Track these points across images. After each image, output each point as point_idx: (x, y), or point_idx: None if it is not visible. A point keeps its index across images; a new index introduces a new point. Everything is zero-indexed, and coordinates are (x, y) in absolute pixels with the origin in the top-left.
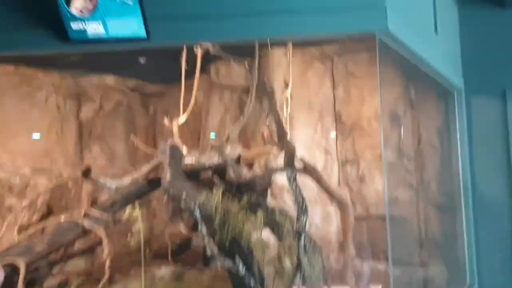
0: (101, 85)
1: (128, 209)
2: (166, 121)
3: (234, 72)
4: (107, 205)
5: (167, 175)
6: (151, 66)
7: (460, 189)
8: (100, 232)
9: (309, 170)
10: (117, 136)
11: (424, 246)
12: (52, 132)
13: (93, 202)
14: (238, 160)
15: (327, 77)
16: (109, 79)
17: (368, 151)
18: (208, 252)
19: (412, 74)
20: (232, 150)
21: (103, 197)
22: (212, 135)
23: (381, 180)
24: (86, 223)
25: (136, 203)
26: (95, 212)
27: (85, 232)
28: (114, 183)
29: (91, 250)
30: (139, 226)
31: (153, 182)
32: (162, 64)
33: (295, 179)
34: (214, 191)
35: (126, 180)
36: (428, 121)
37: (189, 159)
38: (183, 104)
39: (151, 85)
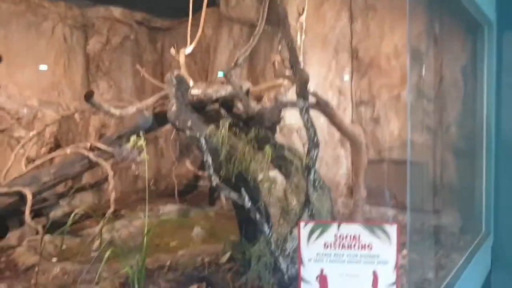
0: (108, 17)
1: (132, 139)
2: (172, 51)
3: (245, 5)
4: (113, 139)
5: (172, 106)
6: None
7: (483, 133)
8: (105, 165)
9: (322, 105)
10: (124, 71)
11: (438, 192)
12: (59, 64)
13: (100, 137)
14: (247, 93)
15: (344, 10)
16: (116, 11)
17: (384, 91)
18: (213, 183)
19: (438, 6)
20: (243, 83)
21: (111, 133)
22: (220, 74)
23: (396, 122)
24: (92, 156)
25: (141, 133)
26: (101, 145)
27: (91, 165)
28: (117, 111)
29: (98, 186)
30: (144, 156)
31: (160, 117)
32: None
33: (307, 110)
34: (221, 123)
35: (131, 109)
36: (452, 59)
37: (196, 91)
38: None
39: (158, 19)
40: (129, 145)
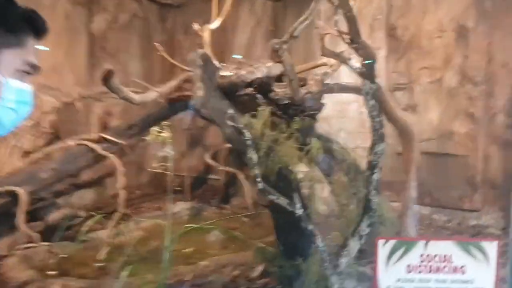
0: None
1: (153, 131)
2: (196, 26)
3: None
4: (122, 129)
5: (199, 91)
6: None
7: None
8: (115, 160)
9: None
10: (132, 53)
11: (479, 188)
12: (60, 44)
13: (104, 127)
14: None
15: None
16: None
17: (424, 74)
18: (259, 186)
19: None
20: (275, 66)
21: (115, 122)
22: (236, 56)
23: (436, 110)
24: (99, 149)
25: (163, 124)
26: (110, 137)
27: (97, 159)
28: (137, 96)
29: (101, 181)
30: (168, 152)
31: (176, 104)
32: None
33: (374, 95)
34: (259, 112)
35: (151, 94)
36: (504, 37)
37: (227, 72)
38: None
39: None
40: (148, 138)
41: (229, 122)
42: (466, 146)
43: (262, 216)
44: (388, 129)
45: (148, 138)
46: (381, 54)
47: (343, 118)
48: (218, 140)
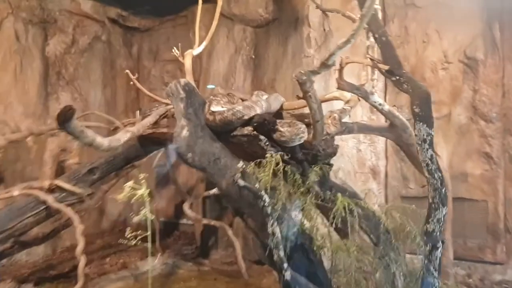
0: (75, 11)
1: (128, 187)
2: (175, 52)
3: (253, 1)
4: (82, 173)
5: (182, 130)
6: None
7: None
8: (72, 215)
9: (399, 127)
10: (93, 80)
11: (502, 238)
12: (8, 69)
13: (61, 168)
14: (280, 111)
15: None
16: (86, 5)
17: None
18: (286, 277)
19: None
20: (275, 99)
21: (74, 161)
22: (210, 86)
23: (445, 149)
24: (52, 200)
25: (142, 176)
26: (65, 184)
27: (49, 213)
28: (105, 140)
29: (53, 236)
30: (146, 215)
31: (149, 142)
32: None
33: (430, 142)
34: (268, 158)
35: (123, 136)
36: None
37: (218, 107)
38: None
39: (136, 18)
40: (120, 196)
41: (240, 181)
42: (482, 190)
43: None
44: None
45: (119, 196)
46: (378, 87)
47: (340, 156)
48: (192, 180)
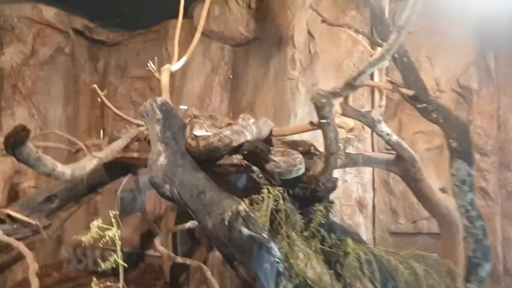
0: (36, 19)
1: (94, 227)
2: (151, 66)
3: (232, 17)
4: (38, 201)
5: (159, 158)
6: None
7: None
8: (24, 250)
9: (407, 160)
10: (53, 95)
11: (502, 280)
12: None
13: (15, 192)
14: (269, 137)
15: (364, 29)
16: (49, 12)
17: (421, 140)
18: None
19: (492, 32)
20: (265, 123)
21: (30, 184)
22: (183, 107)
23: (437, 182)
24: (0, 234)
25: (112, 213)
26: (18, 214)
27: None
28: (68, 169)
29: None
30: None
31: (116, 167)
32: None
33: (471, 184)
34: (264, 194)
35: (88, 163)
36: None
37: (202, 132)
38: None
39: (104, 30)
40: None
41: (244, 230)
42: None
43: None
44: None
45: (84, 238)
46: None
47: None
48: (160, 207)
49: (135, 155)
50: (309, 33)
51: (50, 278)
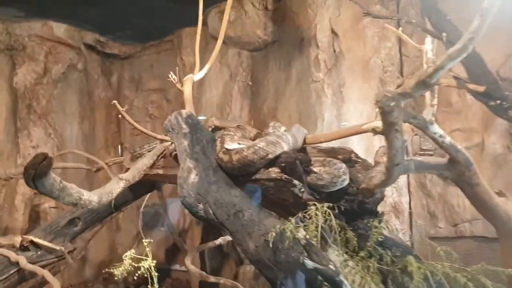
0: (47, 36)
1: (128, 258)
2: (172, 77)
3: (250, 21)
4: (61, 225)
5: (190, 175)
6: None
7: None
8: (50, 278)
9: (462, 163)
10: (69, 113)
11: None
12: None
13: (35, 213)
14: (302, 146)
15: (390, 25)
16: (59, 29)
17: (459, 138)
18: None
19: None
20: (298, 131)
21: (49, 205)
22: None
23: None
24: (23, 261)
25: (146, 241)
26: (40, 240)
27: (22, 276)
28: (95, 197)
29: None
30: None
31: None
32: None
33: None
34: (311, 211)
35: (116, 188)
36: None
37: (234, 145)
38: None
39: (116, 44)
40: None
41: (308, 262)
42: None
43: None
44: None
45: (117, 271)
46: None
47: None
48: (185, 221)
49: (160, 172)
50: (333, 31)
51: None
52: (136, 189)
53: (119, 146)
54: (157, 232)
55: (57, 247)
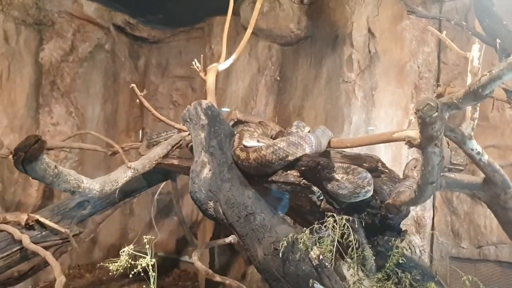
0: (77, 14)
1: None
2: (196, 65)
3: (283, 13)
4: (70, 207)
5: (203, 170)
6: None
7: None
8: (51, 260)
9: (497, 184)
10: (92, 93)
11: None
12: None
13: (50, 190)
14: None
15: (428, 35)
16: (89, 7)
17: (493, 155)
18: None
19: None
20: (323, 133)
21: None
22: (225, 109)
23: None
24: (26, 240)
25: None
26: (46, 220)
27: (24, 255)
28: (97, 185)
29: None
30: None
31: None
32: None
33: None
34: (328, 222)
35: (122, 177)
36: None
37: (253, 142)
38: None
39: (146, 27)
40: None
41: (317, 286)
42: None
43: None
44: None
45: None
46: None
47: None
48: (198, 212)
49: (175, 162)
50: (370, 31)
51: (82, 279)
52: (150, 177)
53: (140, 131)
54: (170, 221)
55: (63, 229)
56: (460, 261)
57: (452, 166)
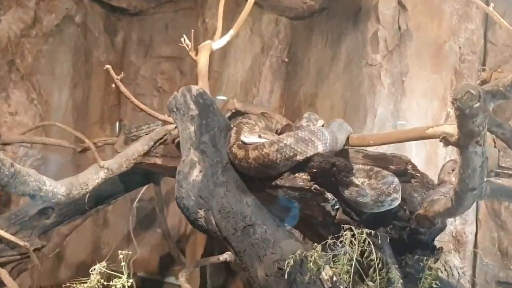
0: None
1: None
2: (185, 42)
3: None
4: (30, 214)
5: (192, 171)
6: None
7: None
8: (6, 278)
9: None
10: (59, 75)
11: None
12: None
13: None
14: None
15: (472, 9)
16: None
17: None
18: None
19: None
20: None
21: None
22: (221, 97)
23: None
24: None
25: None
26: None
27: None
28: (62, 188)
29: None
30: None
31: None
32: None
33: None
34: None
35: (94, 179)
36: None
37: (253, 138)
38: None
39: None
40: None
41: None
42: None
43: None
44: None
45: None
46: None
47: None
48: (185, 224)
49: (159, 161)
50: (400, 3)
51: None
52: (128, 180)
53: (117, 123)
54: (153, 233)
55: (21, 242)
56: (509, 286)
57: (500, 170)
